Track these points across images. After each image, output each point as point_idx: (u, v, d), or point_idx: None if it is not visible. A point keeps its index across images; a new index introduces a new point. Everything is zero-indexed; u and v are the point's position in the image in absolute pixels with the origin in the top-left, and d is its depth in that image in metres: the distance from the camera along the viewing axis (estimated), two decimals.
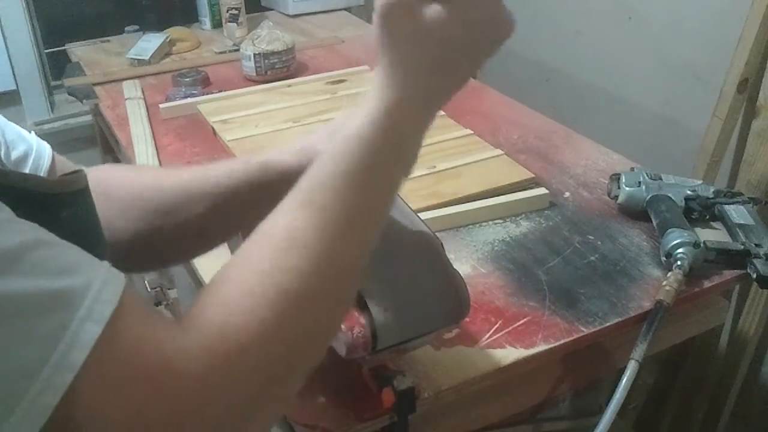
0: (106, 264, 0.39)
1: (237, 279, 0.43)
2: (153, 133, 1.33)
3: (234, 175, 0.65)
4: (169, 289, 1.42)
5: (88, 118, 1.94)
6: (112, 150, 1.68)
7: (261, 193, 0.64)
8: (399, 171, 0.50)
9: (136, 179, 0.68)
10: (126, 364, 0.36)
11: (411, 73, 0.48)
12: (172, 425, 0.37)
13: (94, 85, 1.58)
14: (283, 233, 0.45)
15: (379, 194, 0.49)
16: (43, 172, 0.62)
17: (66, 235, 0.39)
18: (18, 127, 0.63)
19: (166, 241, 0.65)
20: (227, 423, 0.39)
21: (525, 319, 0.84)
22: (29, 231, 0.38)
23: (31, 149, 0.63)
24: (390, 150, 0.48)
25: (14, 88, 2.02)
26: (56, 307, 0.35)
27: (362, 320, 0.60)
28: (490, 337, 0.81)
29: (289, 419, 0.72)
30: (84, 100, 1.56)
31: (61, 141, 2.07)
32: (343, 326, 0.59)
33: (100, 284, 0.37)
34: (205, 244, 0.71)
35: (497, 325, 0.83)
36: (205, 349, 0.38)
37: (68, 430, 0.35)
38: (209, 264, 0.92)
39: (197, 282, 0.97)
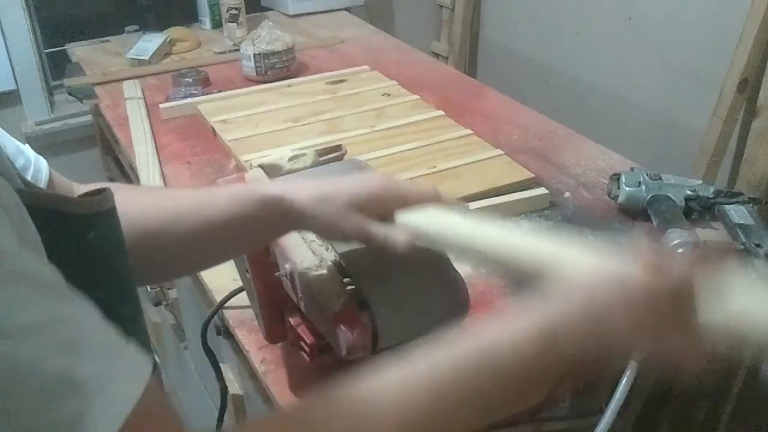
0: (131, 349, 0.37)
1: None
2: (153, 133, 1.33)
3: (231, 205, 0.62)
4: (169, 289, 1.42)
5: (88, 118, 1.94)
6: (112, 150, 1.68)
7: (257, 227, 0.62)
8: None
9: (131, 199, 0.67)
10: None
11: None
12: None
13: (94, 85, 1.58)
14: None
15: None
16: (42, 185, 0.62)
17: (92, 257, 0.38)
18: (15, 140, 0.63)
19: (154, 261, 0.63)
20: None
21: None
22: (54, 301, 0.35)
23: (30, 162, 0.62)
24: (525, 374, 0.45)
25: (14, 88, 2.01)
26: (73, 395, 0.34)
27: (362, 320, 0.60)
28: None
29: None
30: (84, 100, 1.56)
31: (61, 141, 2.07)
32: (342, 326, 0.59)
33: (121, 380, 0.35)
34: (196, 266, 0.70)
35: None
36: None
37: None
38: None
39: (197, 282, 0.97)
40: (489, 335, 0.47)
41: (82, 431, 0.33)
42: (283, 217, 0.60)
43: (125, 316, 0.41)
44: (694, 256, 0.48)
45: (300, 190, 0.61)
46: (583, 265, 0.48)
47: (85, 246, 0.39)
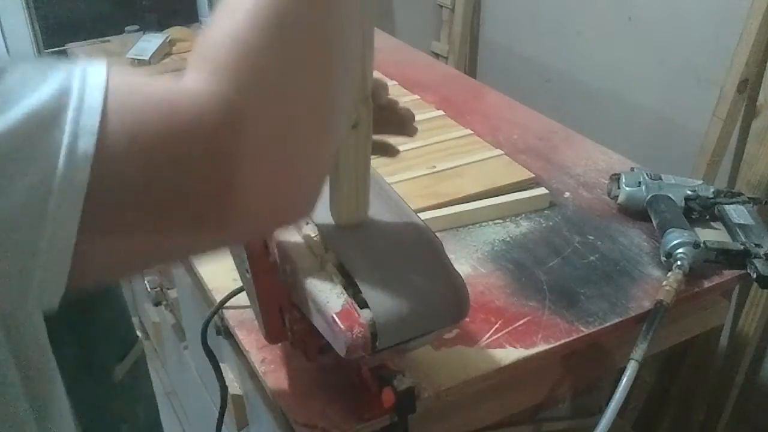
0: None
1: (220, 17, 0.41)
2: None
3: None
4: (169, 289, 1.42)
5: None
6: None
7: None
8: None
9: None
10: (136, 113, 0.38)
11: None
12: (203, 148, 0.38)
13: None
14: None
15: None
16: None
17: None
18: None
19: None
20: (260, 144, 0.39)
21: (525, 319, 0.84)
22: None
23: None
24: None
25: None
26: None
27: (362, 320, 0.60)
28: (490, 337, 0.81)
29: (289, 419, 0.72)
30: None
31: None
32: (342, 326, 0.59)
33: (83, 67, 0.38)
34: None
35: (497, 325, 0.83)
36: (208, 76, 0.39)
37: (110, 185, 0.36)
38: (209, 264, 0.92)
39: (197, 282, 0.97)
40: None
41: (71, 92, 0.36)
42: None
43: None
44: None
45: None
46: None
47: None
